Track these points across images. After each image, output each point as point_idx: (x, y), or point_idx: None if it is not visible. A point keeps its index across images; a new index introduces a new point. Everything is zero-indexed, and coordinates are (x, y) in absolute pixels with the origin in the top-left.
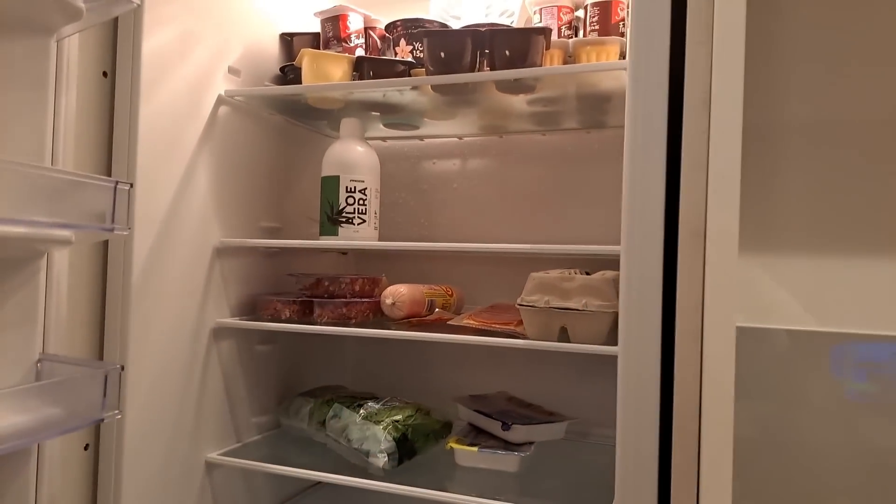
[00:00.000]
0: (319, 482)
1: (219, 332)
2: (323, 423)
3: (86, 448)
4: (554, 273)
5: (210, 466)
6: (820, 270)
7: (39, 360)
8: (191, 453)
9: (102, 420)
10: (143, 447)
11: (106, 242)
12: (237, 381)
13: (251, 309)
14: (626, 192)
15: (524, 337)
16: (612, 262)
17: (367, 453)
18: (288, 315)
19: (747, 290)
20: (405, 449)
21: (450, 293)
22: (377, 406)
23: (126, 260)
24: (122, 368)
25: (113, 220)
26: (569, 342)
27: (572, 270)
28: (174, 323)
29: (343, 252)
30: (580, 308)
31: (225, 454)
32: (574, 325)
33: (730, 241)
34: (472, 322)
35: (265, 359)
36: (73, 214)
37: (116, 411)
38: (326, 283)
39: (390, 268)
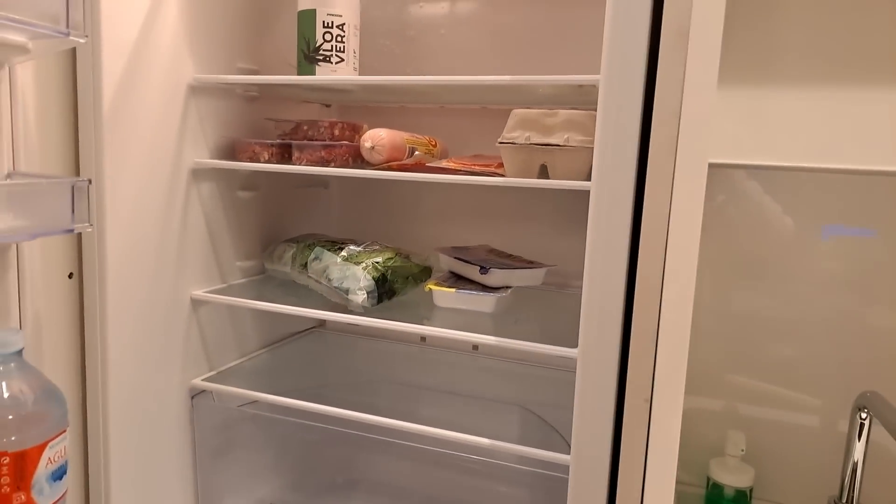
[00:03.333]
0: (308, 329)
1: (198, 174)
2: (305, 266)
3: (70, 276)
4: (537, 109)
5: (196, 304)
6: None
7: (9, 176)
8: (175, 289)
9: (72, 230)
10: (127, 277)
11: (73, 65)
12: (219, 225)
13: (230, 153)
14: (609, 15)
15: (503, 177)
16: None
17: (347, 291)
18: (266, 158)
19: (735, 125)
20: (384, 288)
21: (433, 143)
22: (358, 249)
23: (96, 85)
24: (90, 182)
25: (68, 24)
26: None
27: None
28: (150, 157)
29: (326, 105)
30: (561, 143)
31: (210, 292)
32: (555, 162)
33: (708, 79)
34: (451, 164)
35: (247, 205)
36: (26, 13)
37: (87, 224)
38: (305, 128)
39: (374, 121)
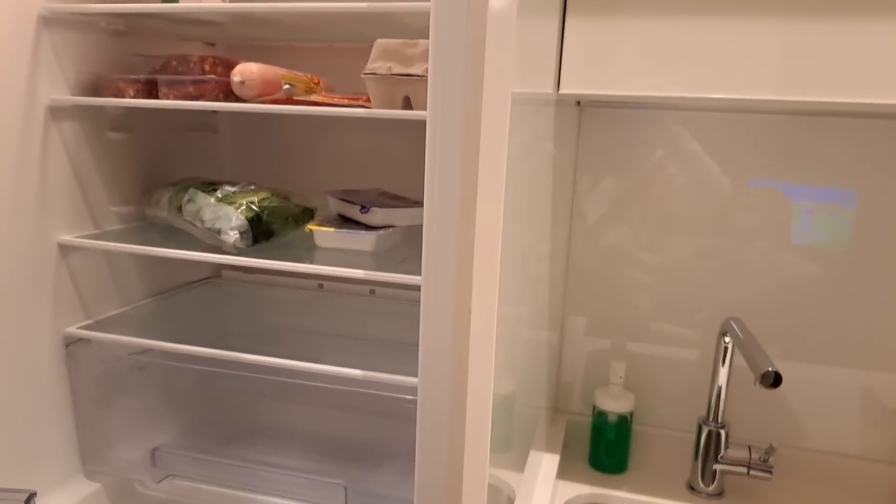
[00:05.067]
0: (204, 279)
1: (57, 112)
2: (180, 209)
3: None
4: (399, 40)
5: (64, 249)
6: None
7: None
8: (38, 234)
9: None
10: None
11: None
12: (88, 168)
13: (94, 91)
14: None
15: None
16: None
17: (219, 231)
18: (132, 94)
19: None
20: (259, 229)
21: (315, 81)
22: (233, 189)
23: None
24: None
25: None
26: None
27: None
28: None
29: (211, 44)
30: (421, 74)
31: (80, 237)
32: (416, 93)
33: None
34: (319, 98)
35: (121, 148)
36: None
37: None
38: (175, 64)
39: (260, 61)
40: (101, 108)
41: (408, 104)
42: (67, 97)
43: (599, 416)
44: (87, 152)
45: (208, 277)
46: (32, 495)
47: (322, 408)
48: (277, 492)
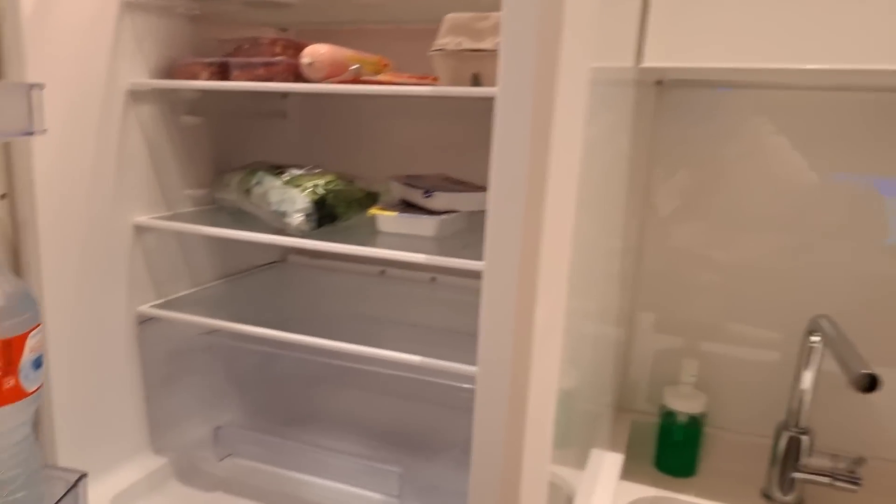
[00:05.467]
0: (269, 263)
1: (137, 96)
2: (248, 192)
3: (2, 197)
4: (469, 13)
5: (139, 230)
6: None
7: None
8: (115, 215)
9: (32, 133)
10: (59, 200)
11: None
12: (164, 151)
13: (170, 75)
14: None
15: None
16: None
17: (285, 214)
18: (206, 77)
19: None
20: (324, 212)
21: (384, 63)
22: (299, 172)
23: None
24: (42, 87)
25: None
26: None
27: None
28: (80, 76)
29: (283, 29)
30: (492, 48)
31: (154, 219)
32: (486, 69)
33: None
34: (385, 78)
35: (194, 132)
36: None
37: (43, 129)
38: (246, 47)
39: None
40: (176, 93)
41: (476, 82)
42: (146, 80)
43: (668, 416)
44: (163, 136)
45: (274, 261)
46: (83, 476)
47: (379, 394)
48: (332, 475)
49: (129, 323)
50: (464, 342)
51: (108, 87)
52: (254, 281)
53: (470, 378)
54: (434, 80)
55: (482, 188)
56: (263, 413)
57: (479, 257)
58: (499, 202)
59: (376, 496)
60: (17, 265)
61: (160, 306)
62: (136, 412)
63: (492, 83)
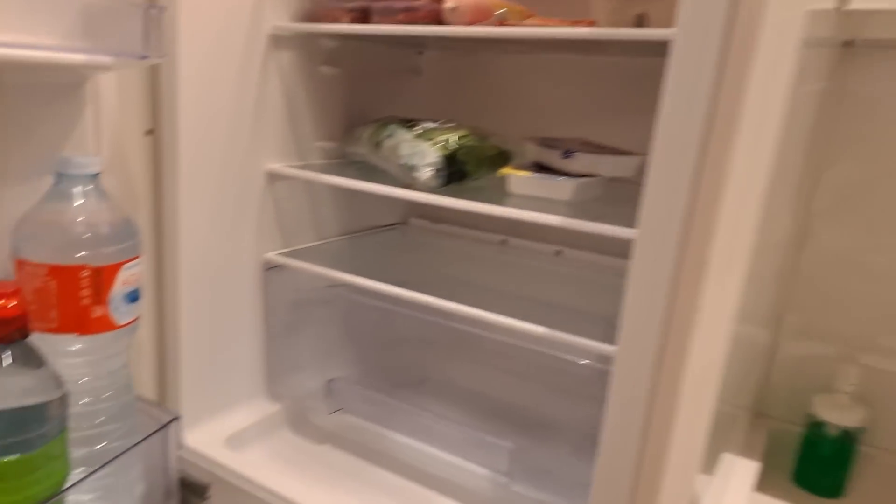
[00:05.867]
0: (391, 224)
1: (278, 41)
2: (378, 145)
3: (148, 133)
4: None
5: (271, 178)
6: None
7: None
8: (250, 160)
9: (147, 57)
10: (200, 141)
11: None
12: (300, 100)
13: (312, 20)
14: None
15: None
16: None
17: (413, 168)
18: (347, 22)
19: None
20: (453, 168)
21: (528, 14)
22: (433, 126)
23: None
24: (164, 9)
25: None
26: None
27: None
28: (225, 18)
29: None
30: None
31: (287, 167)
32: (654, 10)
33: None
34: (533, 22)
35: (330, 83)
36: None
37: (164, 55)
38: None
39: None
40: (315, 42)
41: (641, 24)
42: (289, 24)
43: (815, 427)
44: (300, 84)
45: (395, 223)
46: (175, 419)
47: (493, 367)
48: (439, 444)
49: (255, 269)
50: (587, 322)
51: (251, 29)
52: (374, 241)
53: (599, 357)
54: (590, 24)
55: (628, 153)
56: (375, 372)
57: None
58: (663, 163)
59: (483, 471)
60: (156, 203)
61: (286, 255)
62: (255, 358)
63: (658, 23)
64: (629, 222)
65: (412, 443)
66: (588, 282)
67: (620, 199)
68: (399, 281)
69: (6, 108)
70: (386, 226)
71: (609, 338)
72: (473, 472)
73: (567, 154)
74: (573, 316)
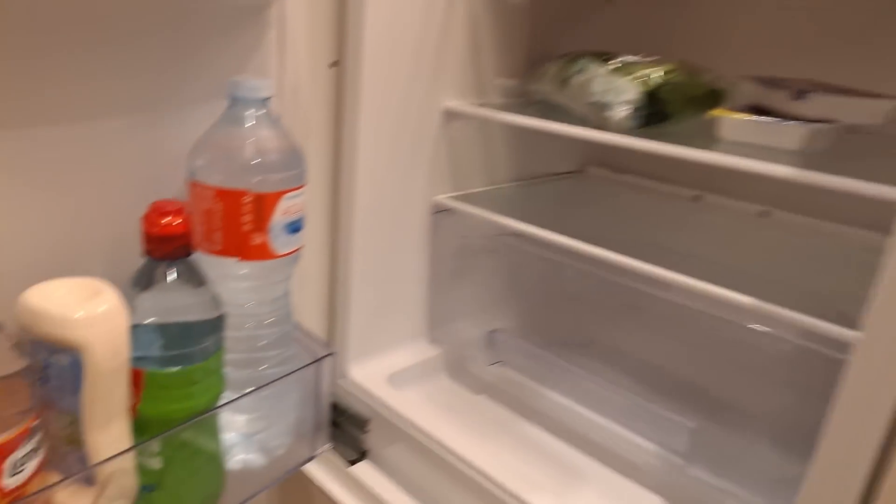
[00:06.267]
0: (567, 173)
1: None
2: (565, 82)
3: (332, 65)
4: None
5: (447, 116)
6: None
7: None
8: (428, 96)
9: None
10: (383, 75)
11: None
12: (483, 32)
13: None
14: None
15: None
16: None
17: (606, 106)
18: None
19: None
20: (654, 107)
21: None
22: (632, 59)
23: None
24: None
25: None
26: None
27: None
28: None
29: None
30: None
31: (466, 105)
32: None
33: None
34: None
35: (518, 14)
36: None
37: None
38: None
39: None
40: None
41: None
42: None
43: None
44: (487, 15)
45: (572, 171)
46: (329, 355)
47: (672, 336)
48: (607, 412)
49: (424, 211)
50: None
51: None
52: (548, 189)
53: (820, 340)
54: None
55: (877, 95)
56: (538, 328)
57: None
58: None
59: (656, 448)
60: (334, 137)
61: (456, 198)
62: (419, 301)
63: None
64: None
65: (576, 407)
66: (801, 250)
67: (856, 152)
68: (572, 233)
69: (189, 31)
70: (561, 174)
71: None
72: (644, 447)
73: (800, 95)
74: (777, 289)
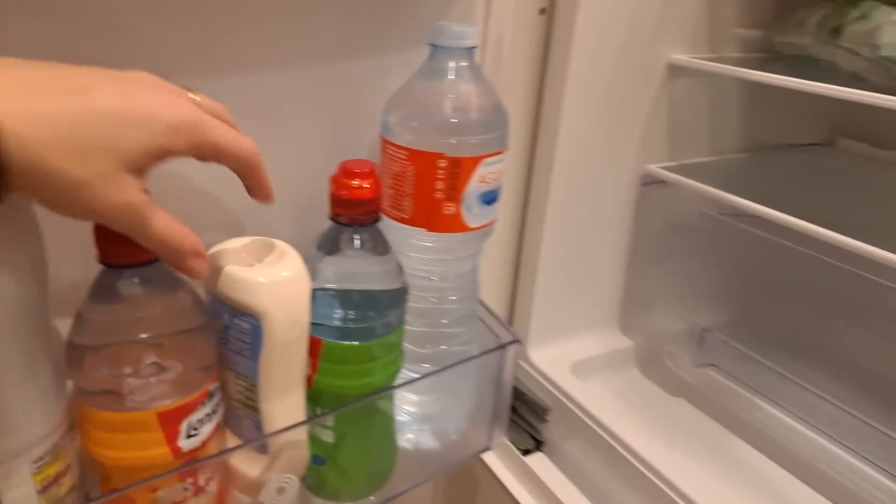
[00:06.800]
0: (809, 144)
1: None
2: (837, 31)
3: (541, 12)
4: None
5: (672, 72)
6: None
7: None
8: (649, 48)
9: None
10: (597, 23)
11: None
12: None
13: None
14: None
15: None
16: None
17: None
18: None
19: None
20: None
21: None
22: None
23: None
24: None
25: None
26: None
27: None
28: None
29: None
30: None
31: (696, 58)
32: None
33: None
34: None
35: None
36: None
37: None
38: None
39: None
40: None
41: None
42: None
43: None
44: None
45: (815, 143)
46: (514, 342)
47: None
48: (829, 433)
49: (632, 182)
50: None
51: None
52: (784, 162)
53: None
54: None
55: None
56: (753, 325)
57: None
58: None
59: (889, 483)
60: (538, 92)
61: (671, 169)
62: (613, 284)
63: None
64: None
65: (795, 426)
66: None
67: None
68: (810, 217)
69: None
70: (803, 145)
71: None
72: (872, 478)
73: None
74: None
